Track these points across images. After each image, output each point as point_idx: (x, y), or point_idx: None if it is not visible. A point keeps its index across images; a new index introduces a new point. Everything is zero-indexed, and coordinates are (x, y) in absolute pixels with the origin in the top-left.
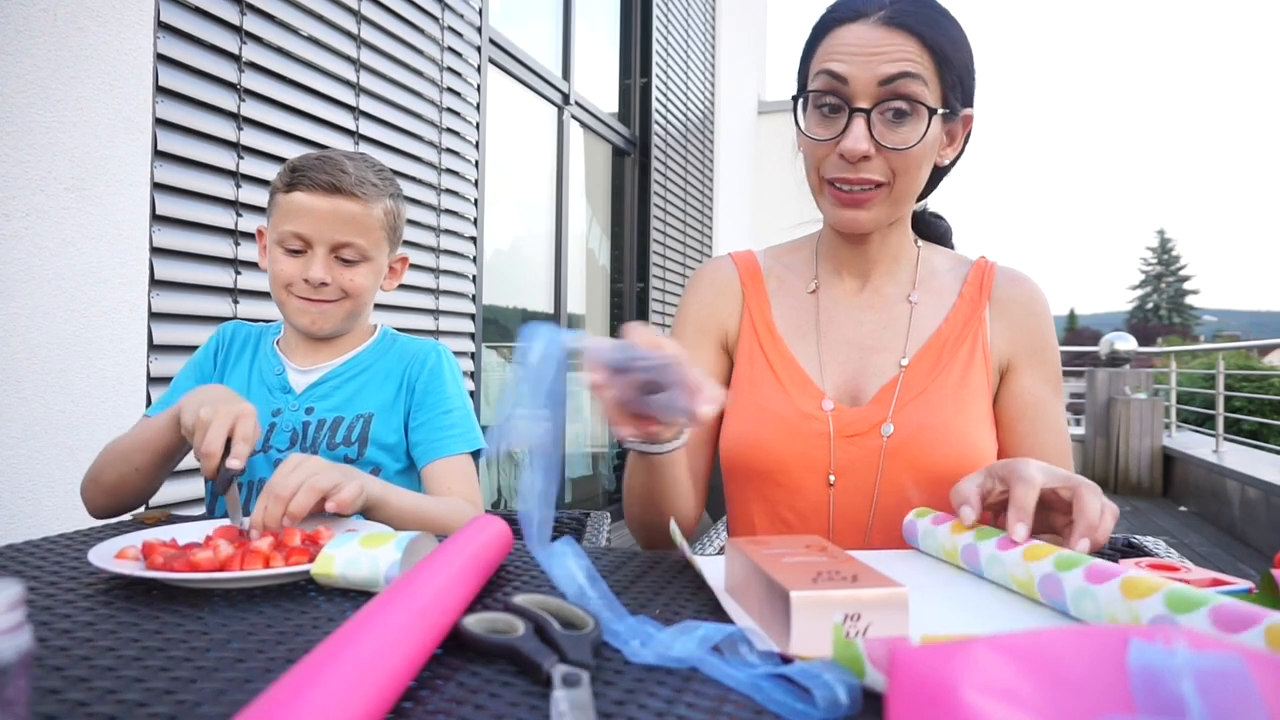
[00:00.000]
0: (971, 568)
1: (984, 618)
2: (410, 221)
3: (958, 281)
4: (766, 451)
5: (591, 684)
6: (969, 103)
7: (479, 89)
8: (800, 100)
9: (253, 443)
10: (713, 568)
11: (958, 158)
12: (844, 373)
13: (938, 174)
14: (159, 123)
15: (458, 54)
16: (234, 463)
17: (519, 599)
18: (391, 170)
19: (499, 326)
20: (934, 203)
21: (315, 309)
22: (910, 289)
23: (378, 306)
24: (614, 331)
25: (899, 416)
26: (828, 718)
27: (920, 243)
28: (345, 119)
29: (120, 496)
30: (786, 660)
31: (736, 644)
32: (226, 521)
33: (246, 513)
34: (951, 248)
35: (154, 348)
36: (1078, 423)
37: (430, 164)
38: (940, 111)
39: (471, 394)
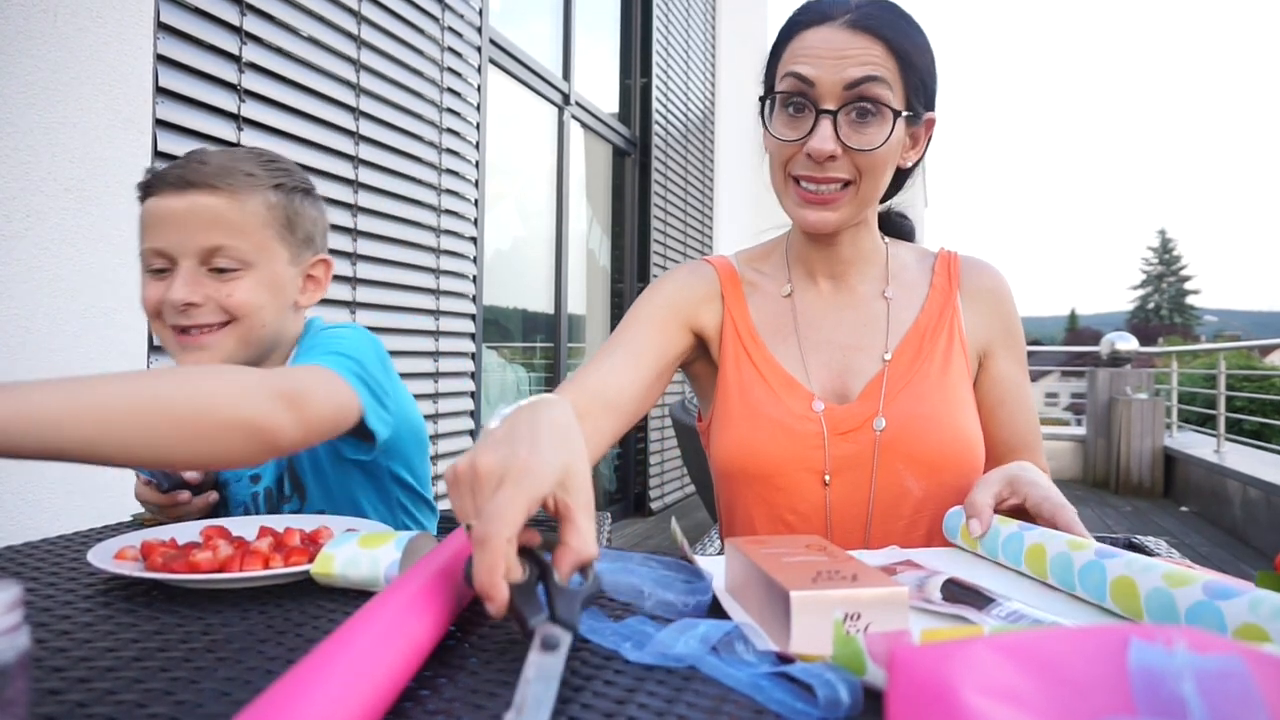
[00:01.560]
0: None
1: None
2: (410, 222)
3: (926, 273)
4: (763, 455)
5: (573, 646)
6: (931, 106)
7: (479, 89)
8: (767, 102)
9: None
10: (713, 568)
11: (919, 160)
12: (828, 373)
13: (900, 176)
14: (159, 124)
15: (458, 54)
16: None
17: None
18: (392, 171)
19: (499, 327)
20: (935, 200)
21: (195, 345)
22: (883, 285)
23: (374, 306)
24: (613, 329)
25: (889, 409)
26: (828, 717)
27: (887, 240)
28: (345, 119)
29: None
30: (785, 660)
31: (734, 642)
32: (215, 521)
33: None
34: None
35: (154, 349)
36: (1079, 423)
37: (430, 164)
38: (904, 114)
39: (471, 394)
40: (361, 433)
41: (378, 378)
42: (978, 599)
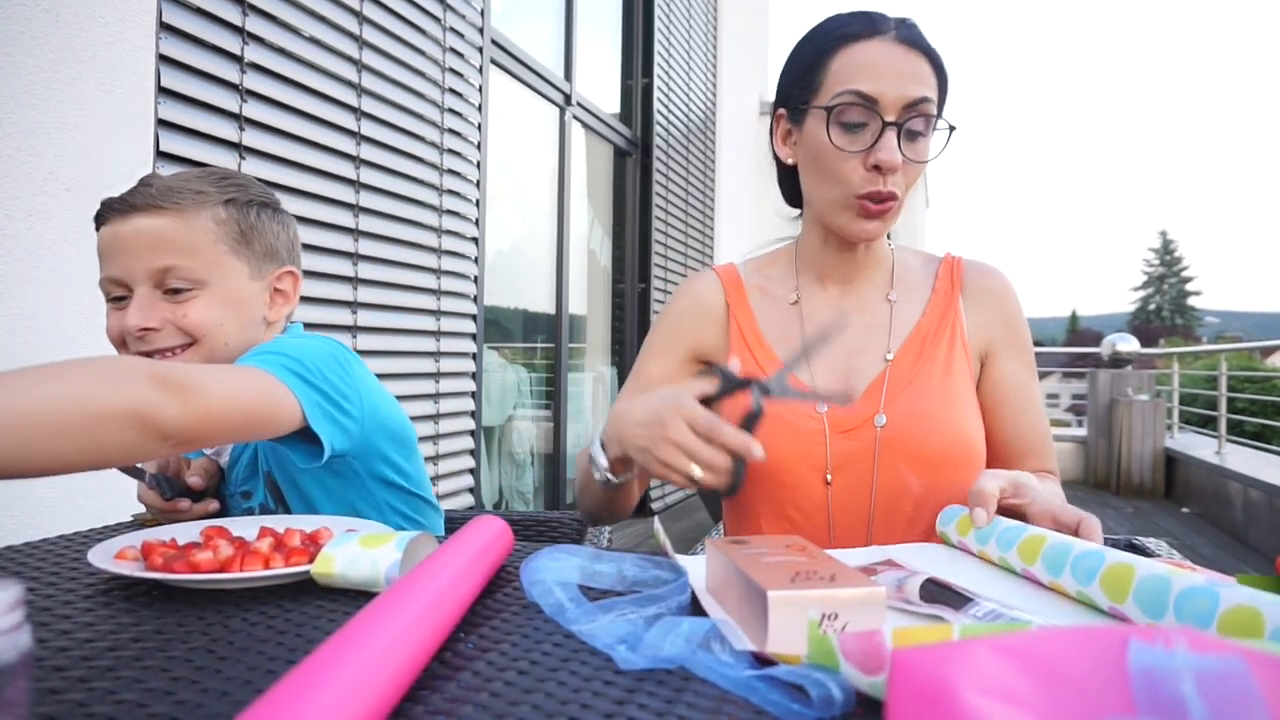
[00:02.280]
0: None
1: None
2: (411, 222)
3: (930, 277)
4: (767, 451)
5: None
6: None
7: (481, 90)
8: (827, 113)
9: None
10: (695, 567)
11: None
12: (833, 374)
13: None
14: (161, 123)
15: (459, 55)
16: (193, 480)
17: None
18: (393, 171)
19: (500, 327)
20: (936, 201)
21: None
22: (888, 289)
23: (375, 307)
24: (614, 330)
25: (890, 408)
26: (824, 716)
27: (893, 245)
28: (347, 120)
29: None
30: (762, 660)
31: (711, 642)
32: (216, 521)
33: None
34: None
35: None
36: (1080, 424)
37: (432, 164)
38: (951, 126)
39: (472, 395)
40: (314, 437)
41: (331, 380)
42: (955, 599)
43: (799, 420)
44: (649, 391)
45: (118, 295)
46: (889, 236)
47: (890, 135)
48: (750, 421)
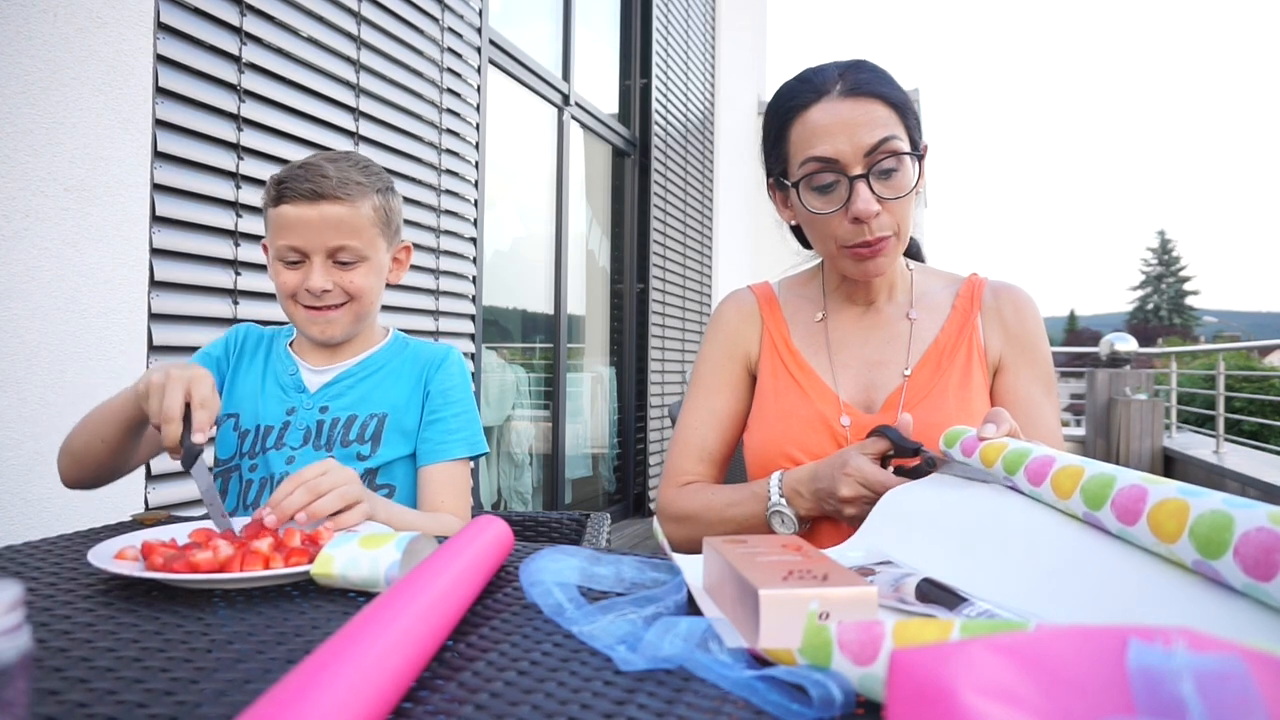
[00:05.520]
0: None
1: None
2: (410, 222)
3: (950, 297)
4: (794, 449)
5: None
6: (921, 137)
7: (479, 90)
8: (795, 186)
9: (212, 409)
10: (692, 566)
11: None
12: (856, 385)
13: None
14: (159, 124)
15: (458, 55)
16: (198, 436)
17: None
18: (391, 171)
19: (499, 327)
20: (935, 202)
21: (323, 319)
22: (908, 308)
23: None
24: (613, 330)
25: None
26: (823, 716)
27: (912, 265)
28: (345, 120)
29: (86, 467)
30: (756, 657)
31: (708, 640)
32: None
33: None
34: (923, 260)
35: (154, 349)
36: (1078, 423)
37: (430, 164)
38: (918, 155)
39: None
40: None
41: (479, 418)
42: (950, 599)
43: (823, 423)
44: (721, 419)
45: (293, 260)
46: (913, 257)
47: (860, 186)
48: (918, 473)
